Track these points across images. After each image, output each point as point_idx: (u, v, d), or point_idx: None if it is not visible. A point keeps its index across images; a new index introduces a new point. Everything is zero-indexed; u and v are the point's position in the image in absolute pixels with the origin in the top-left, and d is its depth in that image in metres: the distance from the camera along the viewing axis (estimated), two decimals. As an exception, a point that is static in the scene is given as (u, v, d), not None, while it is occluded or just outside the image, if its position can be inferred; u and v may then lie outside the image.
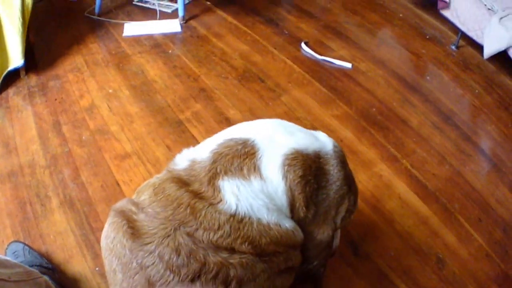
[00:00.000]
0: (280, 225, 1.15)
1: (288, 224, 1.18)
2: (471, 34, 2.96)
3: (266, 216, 1.14)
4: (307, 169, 1.21)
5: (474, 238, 1.89)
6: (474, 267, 1.78)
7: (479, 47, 2.93)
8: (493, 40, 2.72)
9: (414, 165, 2.17)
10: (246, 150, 1.18)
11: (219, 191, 1.13)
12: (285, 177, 1.18)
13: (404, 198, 2.01)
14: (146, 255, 1.05)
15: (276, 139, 1.23)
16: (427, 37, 3.25)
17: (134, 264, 1.06)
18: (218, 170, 1.16)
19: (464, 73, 2.87)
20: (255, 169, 1.16)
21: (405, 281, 1.71)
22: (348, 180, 1.33)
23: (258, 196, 1.15)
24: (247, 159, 1.17)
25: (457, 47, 3.11)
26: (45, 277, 1.46)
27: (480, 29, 2.87)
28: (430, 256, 1.80)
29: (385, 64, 2.91)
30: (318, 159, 1.25)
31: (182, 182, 1.16)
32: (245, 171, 1.16)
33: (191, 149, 1.28)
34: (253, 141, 1.20)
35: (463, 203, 2.02)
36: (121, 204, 1.21)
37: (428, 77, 2.83)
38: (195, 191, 1.14)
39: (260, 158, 1.17)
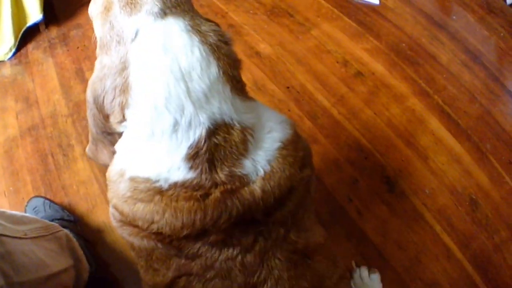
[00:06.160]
0: None
1: None
2: (493, -21, 2.41)
3: None
4: None
5: (505, 181, 1.48)
6: (506, 211, 1.39)
7: (502, -8, 2.38)
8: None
9: (446, 101, 1.72)
10: None
11: None
12: None
13: (437, 134, 1.58)
14: None
15: None
16: (451, -21, 2.68)
17: None
18: None
19: (488, 16, 2.33)
20: None
21: (439, 222, 1.32)
22: None
23: None
24: None
25: (481, -9, 2.56)
26: (66, 231, 1.13)
27: (503, -25, 2.32)
28: (464, 196, 1.40)
29: (412, 2, 2.36)
30: None
31: None
32: None
33: None
34: None
35: (494, 144, 1.59)
36: None
37: (454, 17, 2.29)
38: None
39: None
